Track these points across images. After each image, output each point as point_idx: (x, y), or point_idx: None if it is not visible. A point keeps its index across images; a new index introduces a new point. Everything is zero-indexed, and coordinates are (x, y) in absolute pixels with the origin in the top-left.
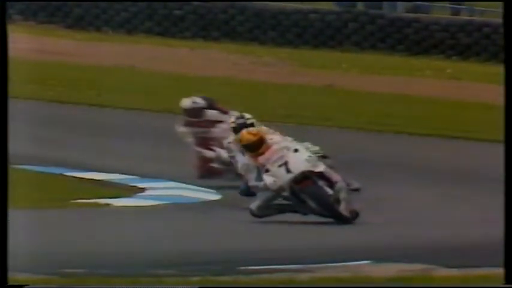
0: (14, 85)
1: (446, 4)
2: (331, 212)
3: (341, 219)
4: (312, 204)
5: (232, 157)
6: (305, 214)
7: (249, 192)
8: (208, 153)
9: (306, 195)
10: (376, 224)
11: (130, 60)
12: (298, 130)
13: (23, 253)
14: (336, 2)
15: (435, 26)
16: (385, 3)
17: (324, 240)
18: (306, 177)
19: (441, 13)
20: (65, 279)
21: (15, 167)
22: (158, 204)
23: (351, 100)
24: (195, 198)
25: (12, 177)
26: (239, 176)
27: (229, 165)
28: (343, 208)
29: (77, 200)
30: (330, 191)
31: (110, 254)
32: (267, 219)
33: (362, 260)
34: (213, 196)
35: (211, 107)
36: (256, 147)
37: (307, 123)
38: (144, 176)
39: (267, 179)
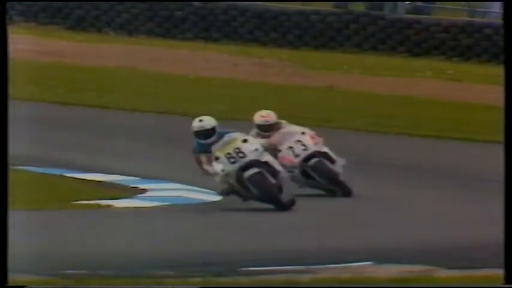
0: (15, 86)
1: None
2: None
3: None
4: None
5: None
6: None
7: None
8: None
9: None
10: (376, 225)
11: (131, 62)
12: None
13: (23, 254)
14: (334, 2)
15: (436, 27)
16: (385, 4)
17: (325, 241)
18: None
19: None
20: (66, 280)
21: (15, 168)
22: (159, 205)
23: (352, 101)
24: (195, 199)
25: (12, 178)
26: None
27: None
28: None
29: (78, 201)
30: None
31: (110, 255)
32: (267, 221)
33: (363, 261)
34: (213, 197)
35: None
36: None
37: (308, 124)
38: (145, 177)
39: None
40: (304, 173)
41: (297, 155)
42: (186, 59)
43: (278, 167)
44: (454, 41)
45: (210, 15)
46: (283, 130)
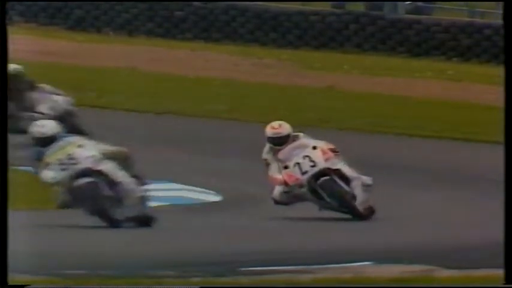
0: None
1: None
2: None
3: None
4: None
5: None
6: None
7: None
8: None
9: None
10: (376, 225)
11: (131, 62)
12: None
13: (23, 254)
14: (332, 2)
15: (436, 28)
16: (385, 4)
17: (325, 241)
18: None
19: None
20: (65, 280)
21: (15, 168)
22: (159, 205)
23: (352, 101)
24: (196, 200)
25: (12, 178)
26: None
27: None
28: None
29: None
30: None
31: (110, 255)
32: (267, 220)
33: (363, 261)
34: (214, 197)
35: None
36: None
37: (308, 124)
38: (145, 177)
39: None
40: (315, 193)
41: (304, 172)
42: (186, 59)
43: (117, 178)
44: (454, 41)
45: (210, 15)
46: (294, 144)
